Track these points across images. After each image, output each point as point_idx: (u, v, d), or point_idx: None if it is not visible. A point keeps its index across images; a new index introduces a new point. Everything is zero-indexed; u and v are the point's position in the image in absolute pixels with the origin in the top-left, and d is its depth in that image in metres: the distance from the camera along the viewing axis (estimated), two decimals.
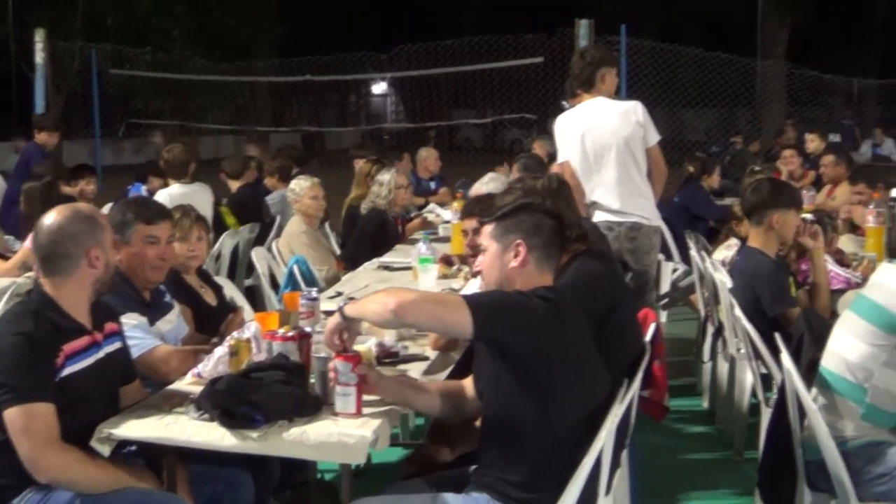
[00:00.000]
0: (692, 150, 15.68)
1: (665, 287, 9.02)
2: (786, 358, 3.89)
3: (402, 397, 3.56)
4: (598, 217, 6.04)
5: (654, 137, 6.15)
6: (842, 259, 6.21)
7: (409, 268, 6.13)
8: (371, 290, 5.49)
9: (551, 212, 3.50)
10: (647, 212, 6.11)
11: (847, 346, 3.87)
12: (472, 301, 3.14)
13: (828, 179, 9.34)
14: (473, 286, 4.34)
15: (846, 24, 33.08)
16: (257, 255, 7.36)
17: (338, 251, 8.20)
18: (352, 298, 3.64)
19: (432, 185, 11.06)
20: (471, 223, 4.86)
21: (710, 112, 24.34)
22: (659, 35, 19.28)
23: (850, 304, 4.02)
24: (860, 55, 33.37)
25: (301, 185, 7.64)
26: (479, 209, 4.71)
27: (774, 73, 23.51)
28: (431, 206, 10.03)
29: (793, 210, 5.45)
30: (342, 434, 3.17)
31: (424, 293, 3.33)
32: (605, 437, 3.11)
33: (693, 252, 7.09)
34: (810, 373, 4.00)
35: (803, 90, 22.94)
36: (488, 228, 3.45)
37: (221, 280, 5.78)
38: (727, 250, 6.64)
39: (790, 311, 5.12)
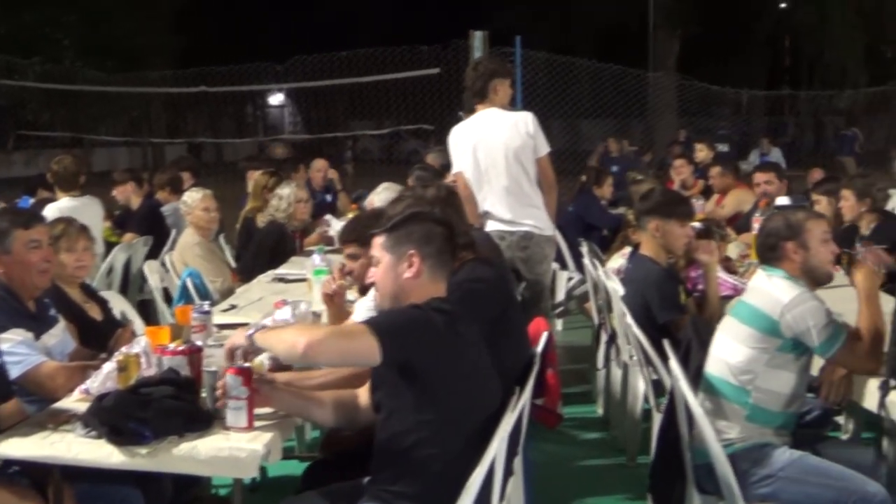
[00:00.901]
0: (587, 159, 15.92)
1: (560, 296, 9.12)
2: (674, 364, 3.97)
3: (297, 409, 3.55)
4: (491, 226, 6.09)
5: (544, 148, 6.22)
6: (729, 266, 6.35)
7: (303, 279, 6.10)
8: (266, 303, 5.49)
9: (441, 220, 3.50)
10: (538, 221, 6.18)
11: (729, 350, 3.98)
12: (376, 327, 3.12)
13: (717, 189, 9.54)
14: (363, 306, 4.31)
15: (734, 37, 33.87)
16: (150, 269, 7.26)
17: (233, 263, 8.12)
18: (263, 326, 3.59)
19: (328, 197, 10.99)
20: (350, 249, 4.73)
21: (604, 122, 24.71)
22: (554, 47, 19.50)
23: (731, 310, 4.14)
24: (748, 67, 34.22)
25: (192, 197, 7.54)
26: (356, 235, 4.64)
27: (665, 84, 23.97)
28: (327, 216, 9.98)
29: (674, 220, 5.53)
30: (233, 448, 3.15)
31: (331, 329, 3.29)
32: (496, 446, 3.12)
33: (586, 261, 7.17)
34: (698, 378, 4.09)
35: (693, 101, 23.42)
36: (380, 240, 3.42)
37: (108, 294, 5.68)
38: (622, 258, 6.74)
39: (680, 318, 5.22)
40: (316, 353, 3.10)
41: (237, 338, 3.38)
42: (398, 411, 3.25)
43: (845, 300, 4.26)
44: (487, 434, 3.17)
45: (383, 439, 3.32)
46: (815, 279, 4.00)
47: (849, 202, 6.80)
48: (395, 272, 3.36)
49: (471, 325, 3.37)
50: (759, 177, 8.59)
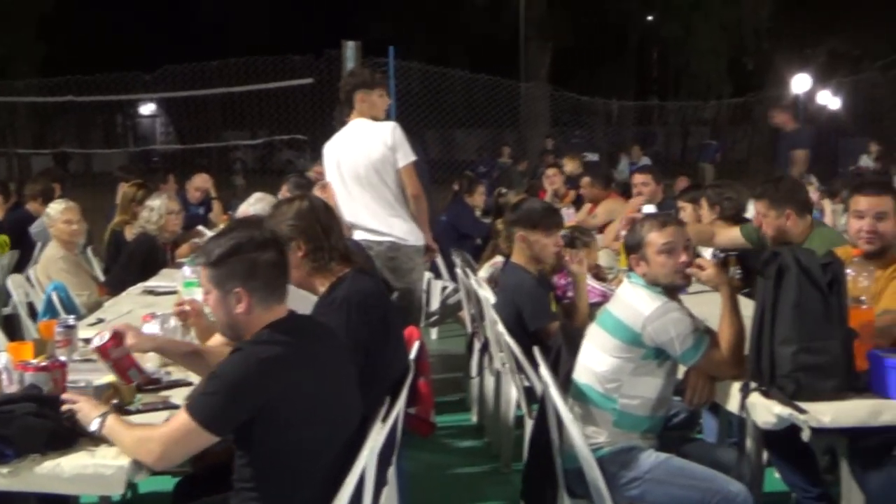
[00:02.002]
0: (462, 169, 16.03)
1: (435, 305, 9.17)
2: (544, 371, 4.04)
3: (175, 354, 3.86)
4: (358, 236, 6.10)
5: (405, 159, 6.23)
6: (598, 273, 6.47)
7: (173, 292, 6.00)
8: (134, 316, 5.38)
9: (267, 242, 3.35)
10: (404, 232, 6.20)
11: (596, 359, 4.05)
12: (198, 416, 3.06)
13: (588, 199, 9.68)
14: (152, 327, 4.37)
15: (604, 49, 34.56)
16: (14, 283, 7.05)
17: (101, 276, 7.95)
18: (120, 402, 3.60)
19: (200, 210, 10.83)
20: None
21: (479, 132, 24.95)
22: (428, 57, 19.62)
23: (597, 319, 4.20)
24: (618, 78, 34.97)
25: (55, 210, 7.35)
26: None
27: (537, 94, 24.31)
28: (200, 227, 9.83)
29: (541, 231, 5.60)
30: (98, 465, 3.08)
31: (161, 438, 3.16)
32: (367, 457, 3.13)
33: (459, 269, 7.23)
34: (568, 384, 4.16)
35: (565, 111, 23.81)
36: (205, 273, 3.33)
37: None
38: (492, 268, 6.81)
39: (550, 325, 5.29)
40: (167, 463, 3.15)
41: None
42: (253, 445, 3.21)
43: (709, 304, 4.37)
44: (356, 446, 3.17)
45: (245, 458, 3.26)
46: (667, 288, 4.08)
47: (704, 210, 6.99)
48: (225, 307, 3.27)
49: (330, 341, 3.37)
50: (637, 178, 8.76)
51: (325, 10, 36.67)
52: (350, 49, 10.68)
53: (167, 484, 4.14)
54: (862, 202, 4.59)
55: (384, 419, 3.40)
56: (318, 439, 3.19)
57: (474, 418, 6.88)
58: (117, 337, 3.69)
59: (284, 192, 7.52)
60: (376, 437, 3.22)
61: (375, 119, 6.35)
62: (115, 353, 3.70)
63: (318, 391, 3.21)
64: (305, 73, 15.36)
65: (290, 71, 16.32)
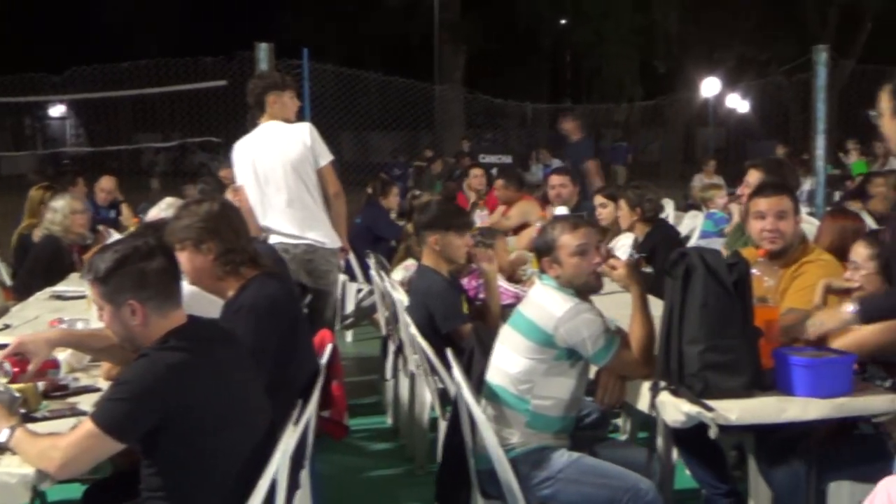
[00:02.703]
0: (377, 171, 16.01)
1: (350, 307, 9.16)
2: (457, 372, 4.04)
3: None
4: (274, 240, 6.05)
5: (324, 159, 6.21)
6: (513, 275, 6.51)
7: (82, 297, 5.90)
8: (41, 322, 5.29)
9: (153, 249, 3.28)
10: (321, 234, 6.17)
11: (508, 361, 4.07)
12: (102, 424, 3.02)
13: (501, 201, 9.73)
14: None
15: (518, 52, 34.77)
16: None
17: (8, 281, 7.79)
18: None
19: (111, 213, 10.66)
20: None
21: (394, 134, 24.94)
22: (343, 60, 19.55)
23: (509, 320, 4.21)
24: (531, 81, 35.23)
25: None
26: None
27: (452, 97, 24.38)
28: (108, 230, 9.68)
29: (452, 232, 5.60)
30: (2, 474, 3.02)
31: (66, 445, 3.11)
32: (278, 460, 3.11)
33: (373, 272, 7.22)
34: (481, 385, 4.18)
35: (480, 113, 23.93)
36: (95, 290, 3.27)
37: None
38: (405, 270, 6.81)
39: (462, 326, 5.31)
40: (71, 471, 3.08)
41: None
42: (159, 452, 3.15)
43: (620, 306, 4.43)
44: (267, 451, 3.15)
45: (150, 465, 3.22)
46: (580, 290, 4.12)
47: (623, 211, 7.08)
48: (120, 320, 3.22)
49: (233, 346, 3.36)
50: (555, 180, 8.83)
51: (238, 11, 36.39)
52: (262, 51, 10.57)
53: (76, 492, 4.08)
54: (762, 203, 4.69)
55: (296, 422, 3.38)
56: (225, 445, 3.16)
57: (389, 421, 6.87)
58: (19, 364, 3.66)
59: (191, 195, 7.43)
60: (288, 440, 3.20)
61: (287, 121, 6.31)
62: (27, 376, 3.66)
63: (224, 397, 3.19)
64: (218, 74, 15.19)
65: (202, 73, 16.13)
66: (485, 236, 6.36)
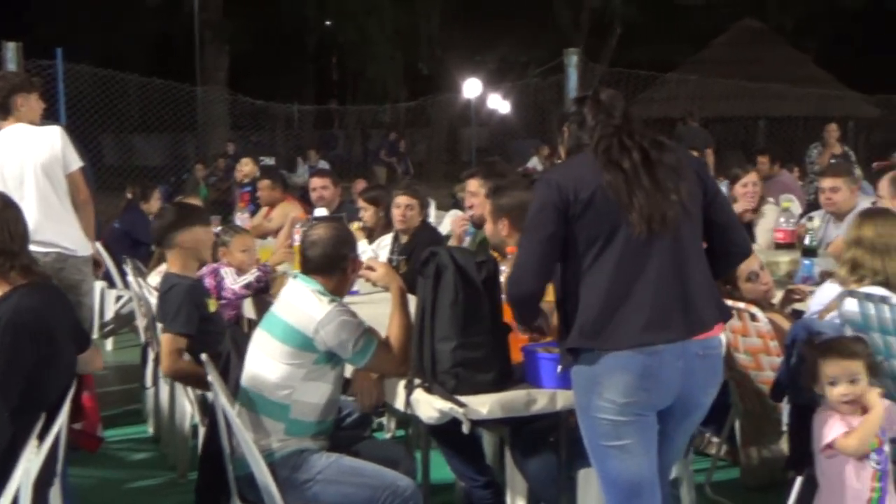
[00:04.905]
0: (141, 175, 15.58)
1: (108, 315, 8.90)
2: (213, 378, 3.99)
3: None
4: None
5: (75, 163, 6.00)
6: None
7: None
8: None
9: None
10: (72, 242, 5.95)
11: (265, 366, 4.04)
12: None
13: (264, 202, 9.64)
14: None
15: (283, 53, 34.56)
16: None
17: None
18: None
19: None
20: None
21: (158, 137, 24.33)
22: (103, 60, 18.90)
23: (262, 323, 4.18)
24: (298, 82, 35.09)
25: None
26: None
27: (215, 98, 23.99)
28: None
29: (199, 226, 5.48)
30: None
31: None
32: (20, 479, 3.00)
33: (130, 278, 7.02)
34: (238, 390, 4.14)
35: (246, 115, 23.64)
36: None
37: None
38: (160, 275, 6.65)
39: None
40: None
41: None
42: None
43: (382, 305, 4.48)
44: (7, 470, 3.03)
45: None
46: (335, 291, 4.16)
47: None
48: None
49: None
50: (316, 182, 8.80)
51: None
52: (10, 50, 10.13)
53: None
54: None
55: (40, 438, 3.26)
56: None
57: (151, 429, 6.72)
58: None
59: None
60: (31, 458, 3.09)
61: (33, 124, 6.06)
62: None
63: None
64: None
65: None
66: (223, 233, 6.30)
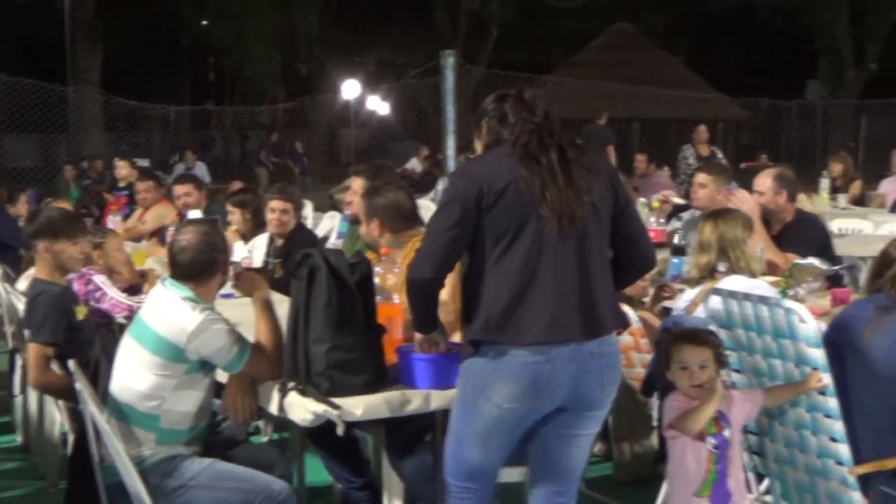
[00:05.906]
0: (11, 177, 15.17)
1: None
2: (81, 385, 3.89)
3: None
4: None
5: None
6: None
7: None
8: None
9: None
10: None
11: (134, 377, 3.95)
12: None
13: (146, 204, 9.47)
14: None
15: (159, 53, 33.99)
16: None
17: None
18: None
19: None
20: None
21: (29, 138, 23.73)
22: None
23: (130, 330, 4.07)
24: (173, 83, 34.55)
25: None
26: None
27: (88, 99, 23.46)
28: None
29: (63, 239, 5.24)
30: None
31: None
32: None
33: None
34: (108, 397, 4.06)
35: (121, 116, 23.20)
36: None
37: None
38: (28, 280, 6.49)
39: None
40: None
41: None
42: None
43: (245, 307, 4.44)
44: None
45: None
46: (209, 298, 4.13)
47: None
48: None
49: None
50: (179, 189, 8.66)
51: None
52: None
53: None
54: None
55: None
56: None
57: (19, 438, 6.55)
58: None
59: None
60: None
61: None
62: None
63: None
64: None
65: None
66: (94, 236, 6.16)
